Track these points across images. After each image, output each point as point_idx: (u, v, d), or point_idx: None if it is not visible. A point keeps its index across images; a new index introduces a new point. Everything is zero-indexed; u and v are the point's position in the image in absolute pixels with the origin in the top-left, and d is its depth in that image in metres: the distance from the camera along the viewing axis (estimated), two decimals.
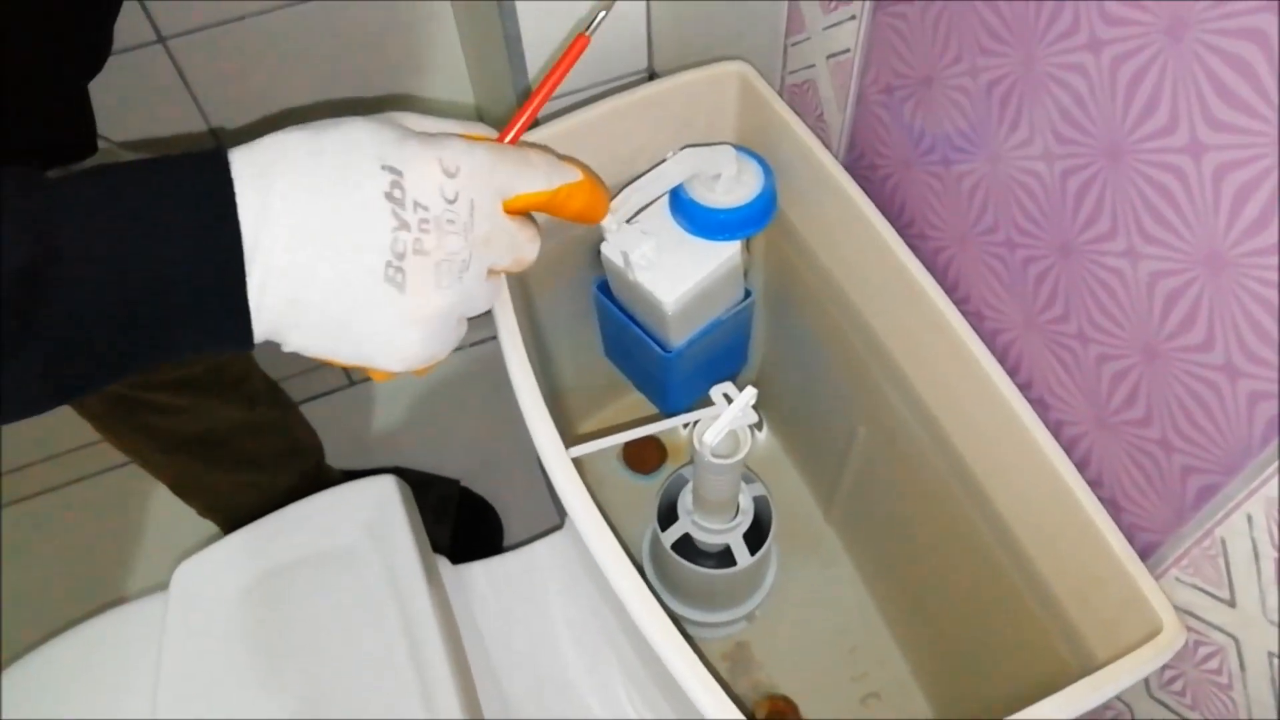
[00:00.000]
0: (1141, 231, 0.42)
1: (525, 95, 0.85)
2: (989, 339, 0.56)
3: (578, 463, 0.51)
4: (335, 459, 1.09)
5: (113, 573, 1.15)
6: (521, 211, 0.43)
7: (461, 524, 1.13)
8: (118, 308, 0.33)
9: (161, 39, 0.87)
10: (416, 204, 0.37)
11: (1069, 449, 0.52)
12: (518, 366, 0.53)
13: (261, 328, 0.37)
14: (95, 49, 0.60)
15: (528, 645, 0.78)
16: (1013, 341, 0.55)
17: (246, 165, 0.36)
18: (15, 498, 1.20)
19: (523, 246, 0.43)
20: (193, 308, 0.35)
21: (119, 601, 0.76)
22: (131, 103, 0.90)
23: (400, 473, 1.15)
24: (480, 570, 0.82)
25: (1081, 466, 0.52)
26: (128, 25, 0.84)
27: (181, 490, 0.93)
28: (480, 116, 1.05)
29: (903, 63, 0.55)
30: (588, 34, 0.46)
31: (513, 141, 0.45)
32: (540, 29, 0.79)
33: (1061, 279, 0.49)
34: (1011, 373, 0.54)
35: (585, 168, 0.46)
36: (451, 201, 0.38)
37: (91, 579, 1.14)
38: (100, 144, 0.65)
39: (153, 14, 0.85)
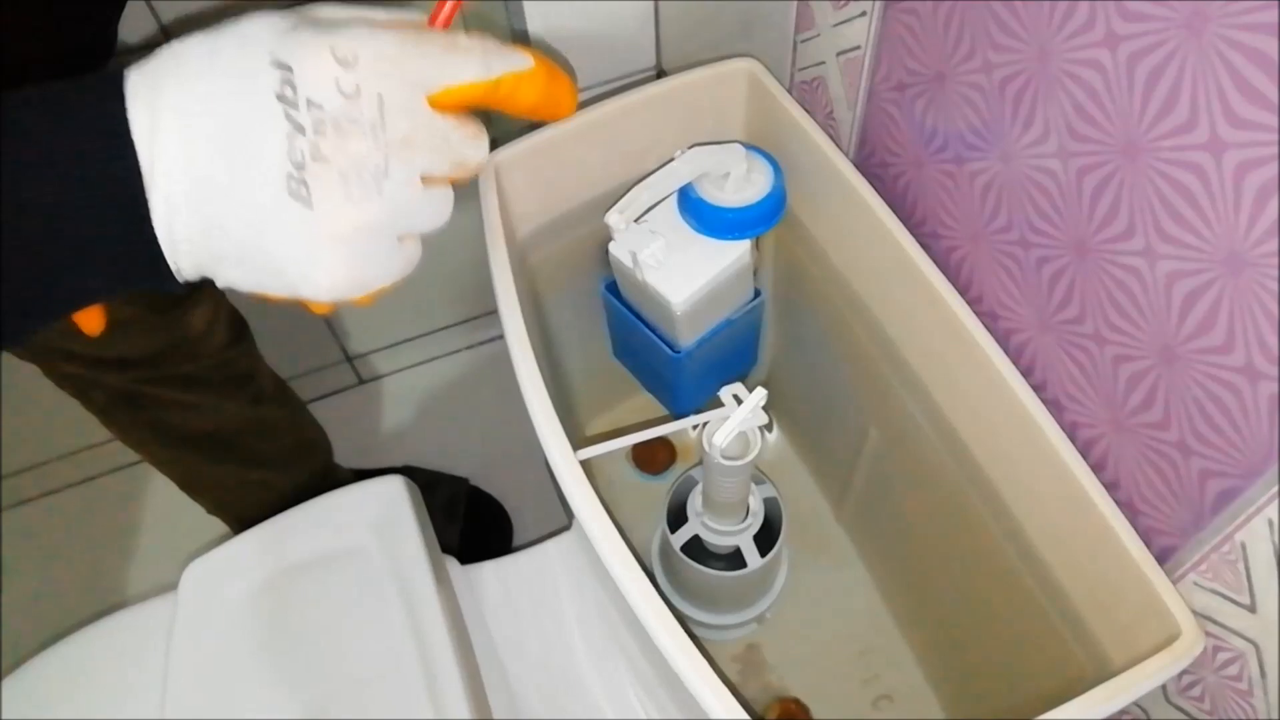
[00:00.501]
0: (1159, 231, 0.42)
1: None
2: (1002, 339, 0.55)
3: (586, 464, 0.50)
4: (344, 458, 1.08)
5: (119, 574, 1.15)
6: (457, 107, 0.37)
7: (471, 523, 1.12)
8: (15, 250, 0.31)
9: (168, 36, 0.87)
10: (310, 102, 0.32)
11: (1085, 451, 0.51)
12: (525, 370, 0.53)
13: (184, 261, 0.34)
14: (95, 50, 0.60)
15: (538, 646, 0.78)
16: (1027, 342, 0.54)
17: (140, 81, 0.32)
18: (19, 499, 1.20)
19: (460, 147, 0.36)
20: (98, 247, 0.32)
21: (126, 603, 0.76)
22: None
23: (409, 471, 1.15)
24: (490, 570, 0.82)
25: (1097, 469, 0.51)
26: (132, 22, 0.84)
27: (189, 487, 0.92)
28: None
29: (914, 59, 0.54)
30: None
31: (444, 24, 0.38)
32: (548, 29, 0.78)
33: (1077, 278, 0.48)
34: (1025, 373, 0.54)
35: (540, 55, 0.39)
36: (351, 96, 0.33)
37: (98, 581, 1.14)
38: None
39: (158, 10, 0.85)
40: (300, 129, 0.32)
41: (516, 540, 1.15)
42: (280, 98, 0.32)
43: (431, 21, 0.38)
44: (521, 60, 0.37)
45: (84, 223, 0.32)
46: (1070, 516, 0.52)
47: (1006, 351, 0.54)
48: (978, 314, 0.55)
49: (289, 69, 0.32)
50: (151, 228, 0.32)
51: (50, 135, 0.31)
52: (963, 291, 0.56)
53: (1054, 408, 0.53)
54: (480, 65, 0.36)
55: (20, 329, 0.33)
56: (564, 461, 0.50)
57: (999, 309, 0.56)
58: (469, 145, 0.37)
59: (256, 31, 0.33)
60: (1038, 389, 0.53)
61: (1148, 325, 0.45)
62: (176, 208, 0.32)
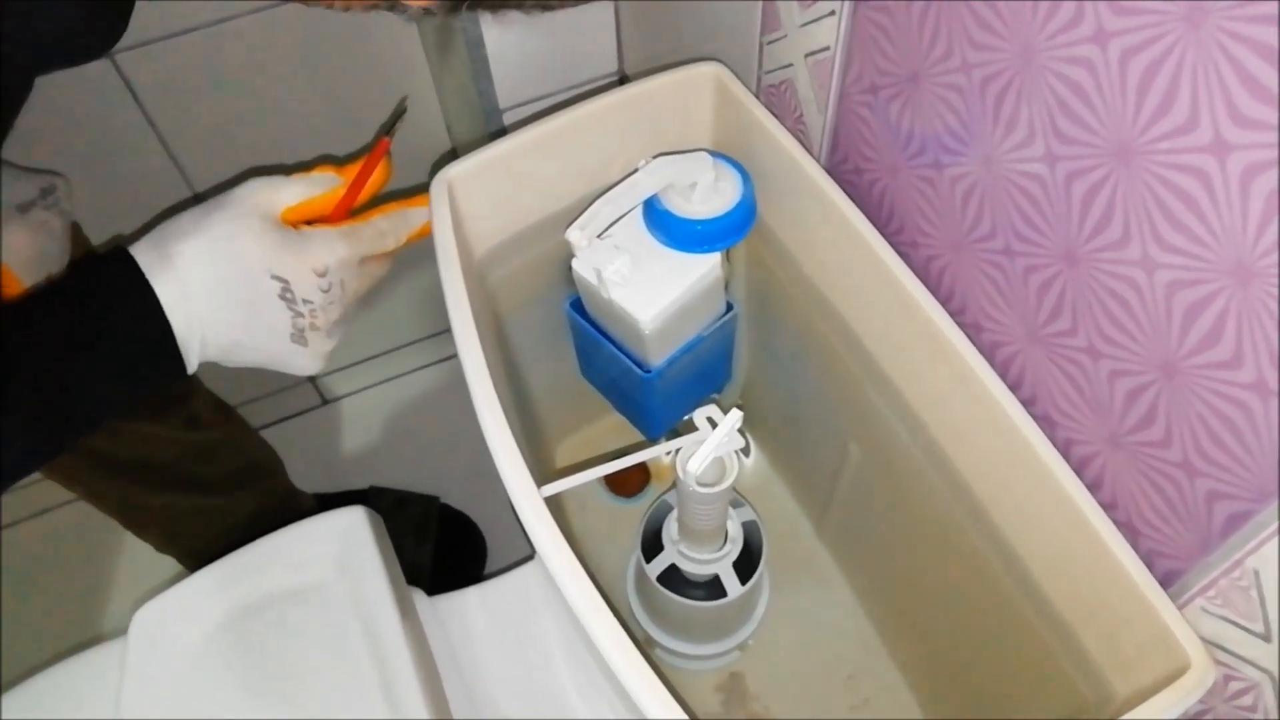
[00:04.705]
0: (1158, 239, 0.39)
1: (492, 105, 0.81)
2: (988, 352, 0.52)
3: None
4: (310, 480, 1.05)
5: (82, 615, 1.10)
6: None
7: (443, 542, 1.09)
8: (75, 392, 0.46)
9: (108, 53, 0.83)
10: (304, 300, 0.51)
11: (1079, 469, 0.49)
12: (485, 401, 0.50)
13: (197, 365, 0.51)
14: None
15: (521, 674, 0.74)
16: (1014, 355, 0.52)
17: (170, 288, 0.48)
18: None
19: (382, 267, 0.56)
20: (145, 386, 0.49)
21: (89, 644, 0.72)
22: (80, 121, 0.86)
23: (377, 492, 1.11)
24: (461, 601, 0.78)
25: (1094, 488, 0.48)
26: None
27: (132, 522, 0.87)
28: (449, 126, 1.01)
29: (887, 59, 0.51)
30: (388, 137, 0.56)
31: (336, 218, 0.55)
32: (504, 36, 0.75)
33: (1068, 289, 0.45)
34: (1014, 387, 0.51)
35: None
36: (327, 291, 0.52)
37: (59, 621, 1.09)
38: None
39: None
40: (300, 314, 0.52)
41: (490, 558, 1.12)
42: (282, 297, 0.51)
43: (347, 195, 0.55)
44: (420, 218, 0.57)
45: (136, 377, 0.49)
46: (1065, 537, 0.49)
47: (993, 365, 0.51)
48: (961, 325, 0.52)
49: (286, 281, 0.50)
50: (183, 369, 0.50)
51: (103, 327, 0.46)
52: (944, 302, 0.53)
53: (1045, 423, 0.50)
54: (394, 241, 0.56)
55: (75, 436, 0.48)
56: (528, 500, 0.47)
57: (984, 320, 0.53)
58: (385, 265, 0.57)
59: (251, 258, 0.50)
60: (1027, 404, 0.50)
61: (1146, 338, 0.42)
62: (208, 350, 0.50)
